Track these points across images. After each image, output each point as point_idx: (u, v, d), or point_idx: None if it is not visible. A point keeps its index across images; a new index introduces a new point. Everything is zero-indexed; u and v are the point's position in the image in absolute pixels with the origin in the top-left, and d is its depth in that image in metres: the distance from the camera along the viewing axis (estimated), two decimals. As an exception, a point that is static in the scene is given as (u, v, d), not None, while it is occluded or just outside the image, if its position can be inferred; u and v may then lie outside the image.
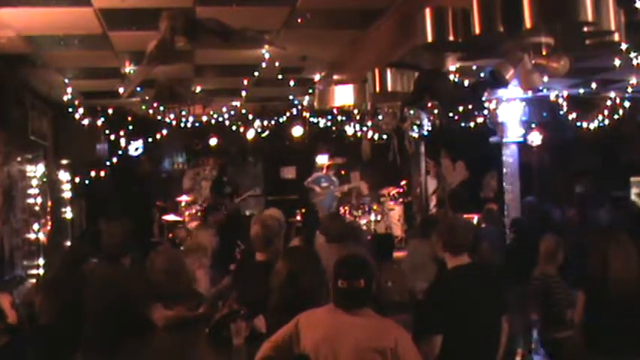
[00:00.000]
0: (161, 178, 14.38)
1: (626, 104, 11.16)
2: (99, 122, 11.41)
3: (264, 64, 7.84)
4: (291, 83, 9.40)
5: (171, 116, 11.61)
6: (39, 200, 9.71)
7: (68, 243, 10.84)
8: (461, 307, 3.91)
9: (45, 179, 10.12)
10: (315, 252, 4.48)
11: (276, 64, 7.94)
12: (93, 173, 12.08)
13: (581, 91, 10.54)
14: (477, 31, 4.65)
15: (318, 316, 3.48)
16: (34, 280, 8.37)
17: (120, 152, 12.27)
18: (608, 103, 11.20)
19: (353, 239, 5.73)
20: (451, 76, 8.02)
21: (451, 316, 3.90)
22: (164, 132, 12.23)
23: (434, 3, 5.20)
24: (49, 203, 10.36)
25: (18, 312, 4.94)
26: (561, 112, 11.31)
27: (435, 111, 11.14)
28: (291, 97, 10.94)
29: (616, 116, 11.42)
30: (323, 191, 12.70)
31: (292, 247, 5.80)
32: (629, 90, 10.38)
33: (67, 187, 11.61)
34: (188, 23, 5.60)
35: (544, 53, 5.30)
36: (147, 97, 9.73)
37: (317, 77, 9.04)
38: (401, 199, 13.77)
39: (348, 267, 3.51)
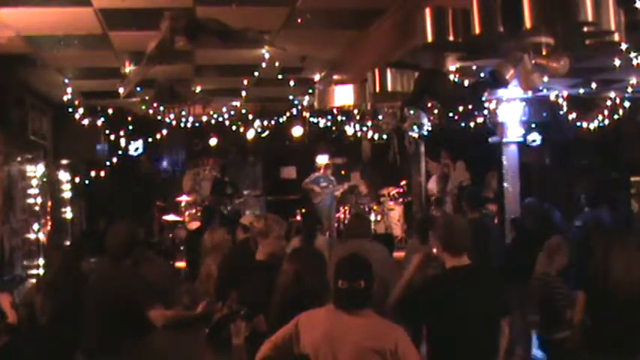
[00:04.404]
0: (161, 178, 14.38)
1: (626, 104, 11.16)
2: (99, 122, 11.41)
3: (264, 64, 7.84)
4: (291, 83, 9.40)
5: (172, 116, 11.61)
6: (39, 200, 9.72)
7: (68, 243, 10.84)
8: (454, 307, 3.89)
9: (45, 179, 10.12)
10: (321, 253, 4.51)
11: (276, 64, 7.94)
12: (93, 173, 12.09)
13: (581, 91, 10.53)
14: (477, 31, 4.66)
15: (318, 316, 3.48)
16: (34, 280, 8.37)
17: (120, 152, 12.27)
18: (608, 103, 11.20)
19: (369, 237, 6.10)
20: (451, 76, 8.01)
21: (443, 316, 3.89)
22: (164, 132, 12.23)
23: (434, 3, 5.21)
24: (49, 203, 10.37)
25: (18, 312, 4.95)
26: (561, 112, 11.30)
27: (435, 111, 11.13)
28: (291, 97, 10.94)
29: (616, 116, 11.42)
30: (322, 191, 12.70)
31: (298, 248, 5.83)
32: (629, 90, 10.37)
33: (67, 187, 11.61)
34: (189, 24, 5.60)
35: (544, 53, 5.30)
36: (147, 97, 9.73)
37: (317, 77, 9.04)
38: (401, 199, 13.78)
39: (348, 267, 3.51)
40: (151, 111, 10.98)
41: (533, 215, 7.94)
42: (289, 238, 6.27)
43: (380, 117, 11.06)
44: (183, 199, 13.40)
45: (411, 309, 4.09)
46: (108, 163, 12.28)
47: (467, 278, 4.02)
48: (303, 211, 12.40)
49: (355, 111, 10.72)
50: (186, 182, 14.79)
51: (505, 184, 11.02)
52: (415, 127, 12.11)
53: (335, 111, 11.07)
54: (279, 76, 8.97)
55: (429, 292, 4.05)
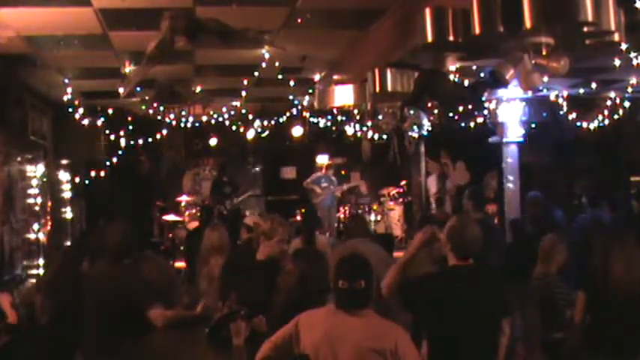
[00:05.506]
0: (161, 178, 14.39)
1: (626, 104, 11.15)
2: (99, 122, 11.42)
3: (264, 64, 7.85)
4: (291, 83, 9.40)
5: (171, 116, 11.62)
6: (39, 200, 9.72)
7: (68, 243, 10.85)
8: (455, 306, 3.89)
9: (45, 179, 10.12)
10: (323, 254, 4.51)
11: (276, 64, 7.94)
12: (93, 173, 12.10)
13: (581, 91, 10.53)
14: (477, 31, 4.66)
15: (318, 317, 3.48)
16: (34, 280, 8.37)
17: (120, 152, 12.27)
18: (608, 103, 11.19)
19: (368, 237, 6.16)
20: (451, 76, 8.01)
21: (444, 315, 3.89)
22: (164, 132, 12.23)
23: (434, 3, 5.21)
24: (49, 203, 10.37)
25: (18, 312, 4.94)
26: (561, 112, 11.30)
27: (435, 111, 11.14)
28: (291, 97, 10.94)
29: (616, 116, 11.41)
30: (323, 192, 12.70)
31: (301, 249, 5.84)
32: (629, 90, 10.37)
33: (67, 187, 11.61)
34: (189, 24, 5.60)
35: (544, 53, 5.30)
36: (147, 97, 9.74)
37: (317, 77, 9.04)
38: (401, 199, 13.78)
39: (348, 267, 3.51)
40: (151, 111, 10.99)
41: (535, 209, 7.89)
42: (290, 239, 6.29)
43: (380, 117, 11.05)
44: (183, 199, 13.40)
45: (409, 302, 4.08)
46: (108, 163, 12.28)
47: (468, 277, 4.01)
48: (303, 211, 12.40)
49: (355, 111, 10.72)
50: (186, 182, 14.79)
51: (509, 185, 11.00)
52: (415, 127, 12.11)
53: (335, 111, 11.07)
54: (279, 76, 8.98)
55: (428, 288, 4.04)
